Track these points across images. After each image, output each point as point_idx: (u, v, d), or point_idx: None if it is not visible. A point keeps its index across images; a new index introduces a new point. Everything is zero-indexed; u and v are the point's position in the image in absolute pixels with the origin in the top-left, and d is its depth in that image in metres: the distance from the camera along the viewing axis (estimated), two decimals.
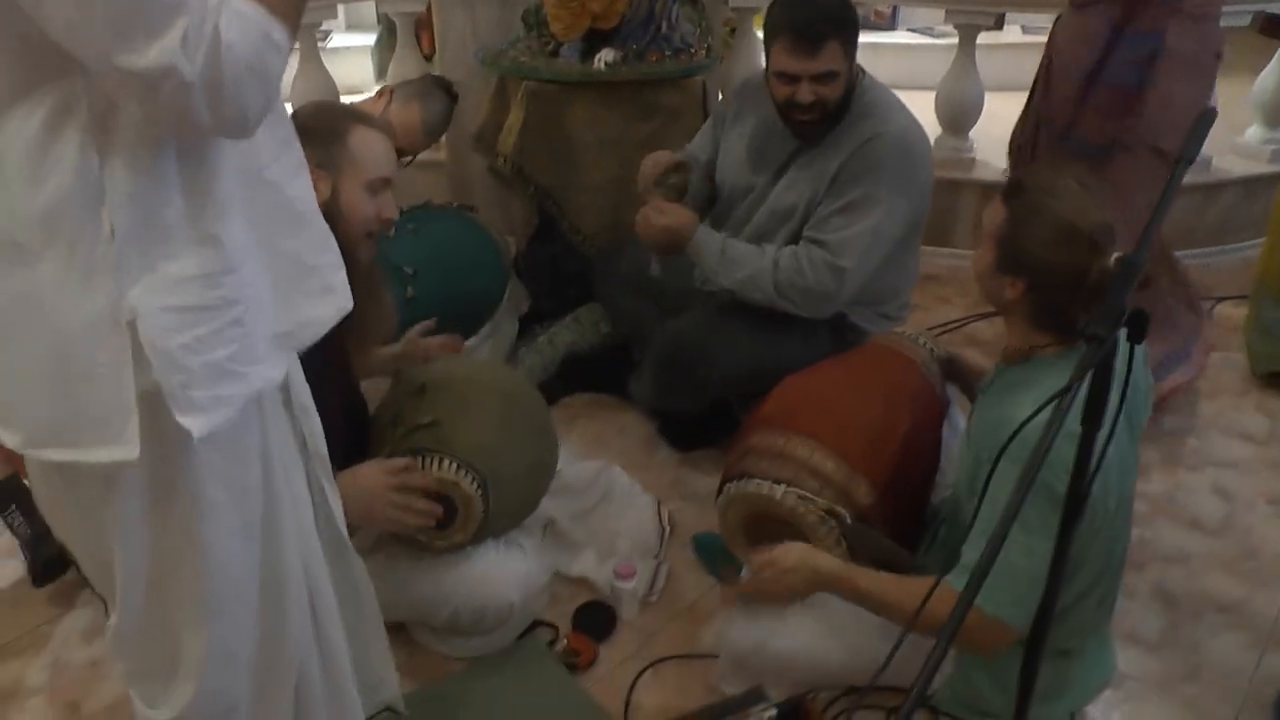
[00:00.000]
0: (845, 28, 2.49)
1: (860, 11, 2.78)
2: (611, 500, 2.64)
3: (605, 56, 3.26)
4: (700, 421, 2.92)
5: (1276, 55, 4.12)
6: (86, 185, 1.10)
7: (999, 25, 5.83)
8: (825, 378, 2.31)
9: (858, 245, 2.51)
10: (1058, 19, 2.90)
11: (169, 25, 1.00)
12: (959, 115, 4.15)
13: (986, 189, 4.08)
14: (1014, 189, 1.80)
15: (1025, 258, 1.75)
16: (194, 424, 1.20)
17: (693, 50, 3.36)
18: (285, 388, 1.44)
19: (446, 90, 3.27)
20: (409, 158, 3.15)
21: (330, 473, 1.57)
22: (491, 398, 2.14)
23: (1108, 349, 1.26)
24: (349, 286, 1.46)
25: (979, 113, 4.16)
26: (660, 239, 2.68)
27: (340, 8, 4.85)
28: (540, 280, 3.51)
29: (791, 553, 1.89)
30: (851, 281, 2.55)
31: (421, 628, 2.16)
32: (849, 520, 2.02)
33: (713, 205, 2.93)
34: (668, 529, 2.61)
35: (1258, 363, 3.32)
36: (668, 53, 3.32)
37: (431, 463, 1.98)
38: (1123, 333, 1.27)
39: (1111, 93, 2.66)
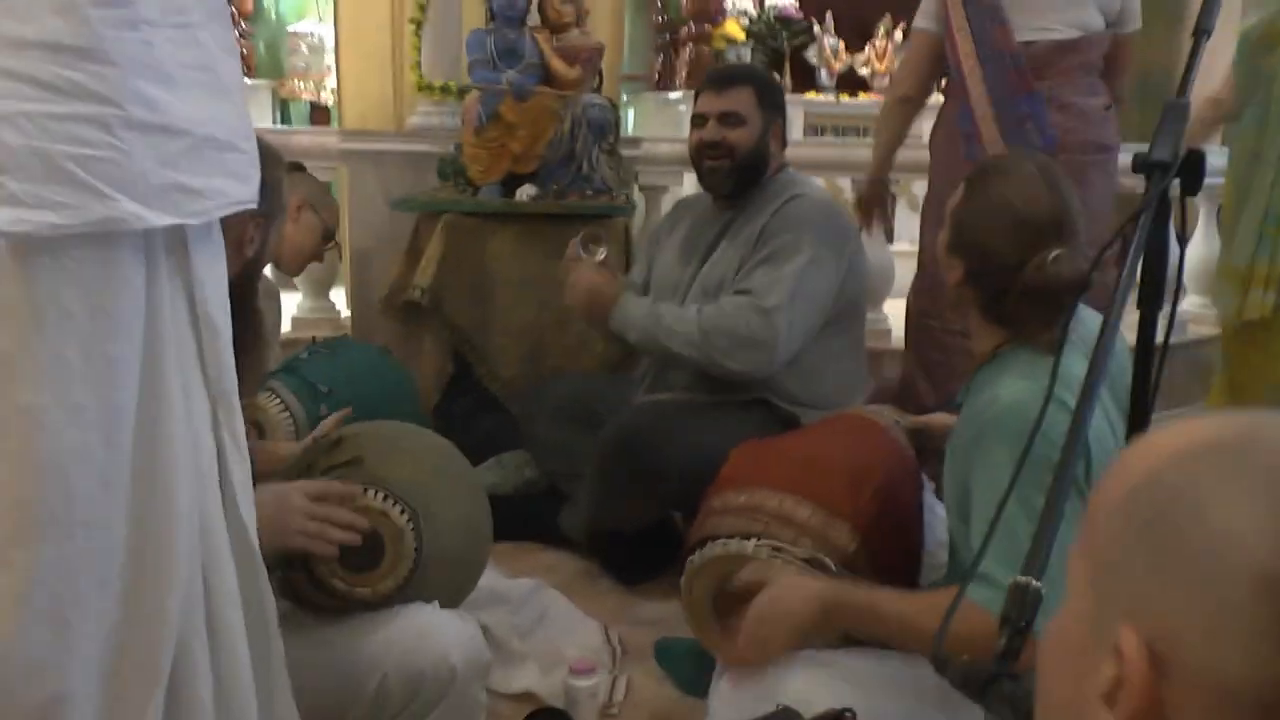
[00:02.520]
0: (757, 81, 2.66)
1: None
2: (548, 621, 2.31)
3: (526, 191, 3.19)
4: (644, 548, 2.64)
5: (1199, 226, 4.24)
6: None
7: None
8: (785, 440, 2.10)
9: (782, 288, 2.43)
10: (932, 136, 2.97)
11: None
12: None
13: None
14: (976, 170, 1.73)
15: (966, 239, 1.65)
16: (4, 215, 0.95)
17: (613, 193, 3.32)
18: (190, 293, 1.15)
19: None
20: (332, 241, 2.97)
21: (241, 431, 1.24)
22: (421, 444, 1.86)
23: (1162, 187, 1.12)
24: None
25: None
26: (585, 301, 2.61)
27: None
28: (455, 440, 3.25)
29: (780, 579, 1.63)
30: (783, 326, 2.42)
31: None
32: (834, 569, 1.75)
33: None
34: (618, 648, 2.27)
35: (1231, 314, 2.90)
36: (588, 192, 3.26)
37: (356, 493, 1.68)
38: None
39: None
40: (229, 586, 1.20)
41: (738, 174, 2.61)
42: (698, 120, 2.64)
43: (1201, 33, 1.30)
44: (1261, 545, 0.50)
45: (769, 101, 2.63)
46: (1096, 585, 0.57)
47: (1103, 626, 0.55)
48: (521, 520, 2.89)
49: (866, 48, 6.26)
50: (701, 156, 2.63)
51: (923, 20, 2.87)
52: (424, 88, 3.80)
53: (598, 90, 3.39)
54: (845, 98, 6.08)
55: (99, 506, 1.06)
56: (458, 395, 3.27)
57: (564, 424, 2.86)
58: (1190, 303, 4.32)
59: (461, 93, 3.62)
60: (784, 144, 2.67)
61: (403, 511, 1.68)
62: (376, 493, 1.68)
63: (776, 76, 2.74)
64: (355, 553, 1.65)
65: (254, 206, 1.22)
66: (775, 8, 6.09)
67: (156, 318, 1.10)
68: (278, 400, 2.40)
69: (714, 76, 2.68)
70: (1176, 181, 1.20)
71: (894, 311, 4.03)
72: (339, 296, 3.99)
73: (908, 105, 3.00)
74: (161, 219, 1.07)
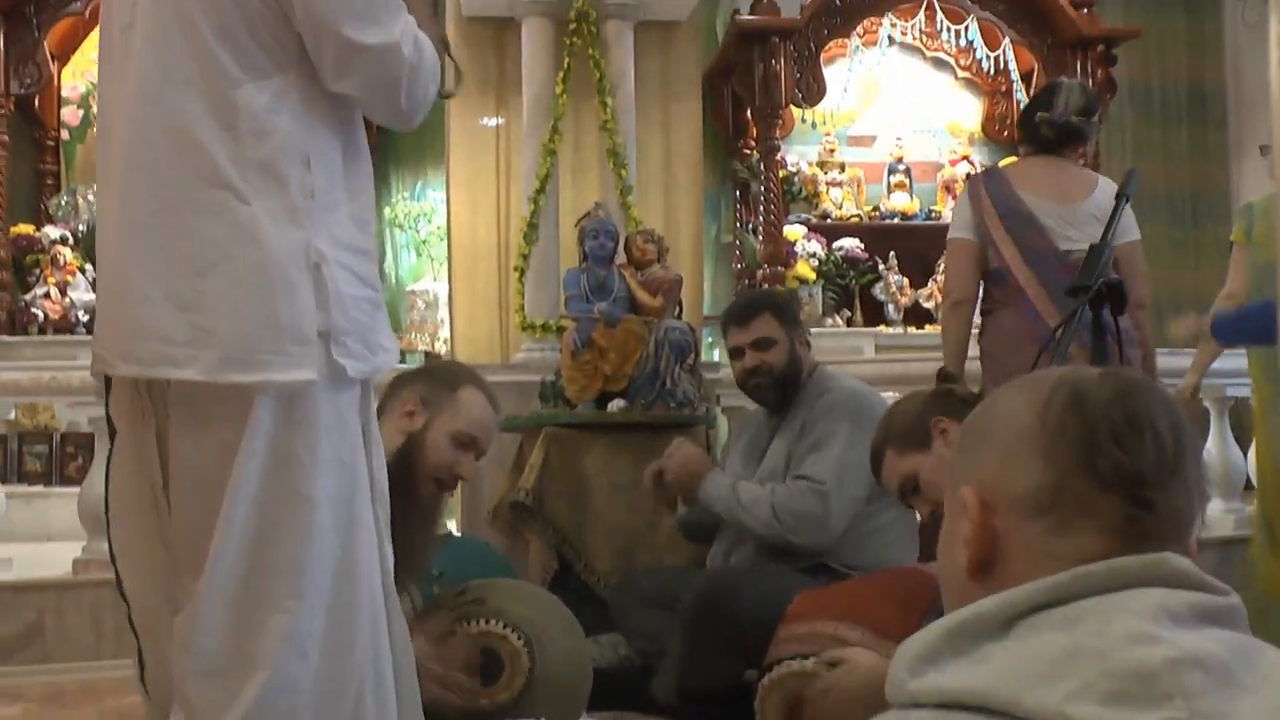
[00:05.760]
0: (774, 304, 3.07)
1: None
2: None
3: (617, 405, 3.63)
4: (729, 707, 2.88)
5: (1210, 429, 4.51)
6: (297, 149, 1.44)
7: None
8: (844, 582, 2.42)
9: (830, 470, 2.80)
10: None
11: (398, 16, 1.46)
12: None
13: None
14: None
15: None
16: (349, 365, 1.42)
17: (694, 404, 3.74)
18: (365, 424, 1.56)
19: None
20: None
21: (388, 523, 1.61)
22: (534, 592, 2.24)
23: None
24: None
25: None
26: (681, 469, 2.97)
27: None
28: None
29: (854, 654, 1.90)
30: (835, 504, 2.78)
31: None
32: None
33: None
34: None
35: None
36: (671, 405, 3.69)
37: (477, 622, 2.03)
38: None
39: None
40: (384, 645, 1.54)
41: (780, 387, 3.02)
42: (735, 353, 3.07)
43: (1122, 197, 1.70)
44: (1021, 416, 0.86)
45: (788, 318, 3.06)
46: (952, 486, 0.92)
47: (956, 504, 0.89)
48: (617, 692, 3.17)
49: (929, 283, 6.77)
50: (746, 381, 3.05)
51: (960, 231, 3.21)
52: (527, 327, 4.35)
53: (678, 316, 3.88)
54: (913, 329, 6.54)
55: (329, 572, 1.45)
56: (561, 589, 3.60)
57: (651, 609, 3.18)
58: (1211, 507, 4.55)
59: (559, 330, 4.14)
60: (808, 347, 3.09)
61: (519, 637, 2.03)
62: (498, 621, 2.04)
63: (792, 297, 3.16)
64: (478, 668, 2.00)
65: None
66: (842, 249, 6.67)
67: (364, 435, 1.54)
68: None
69: (733, 313, 3.11)
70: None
71: None
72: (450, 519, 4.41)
73: (962, 307, 3.36)
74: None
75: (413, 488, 2.05)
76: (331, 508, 1.45)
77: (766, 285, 5.86)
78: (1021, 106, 6.82)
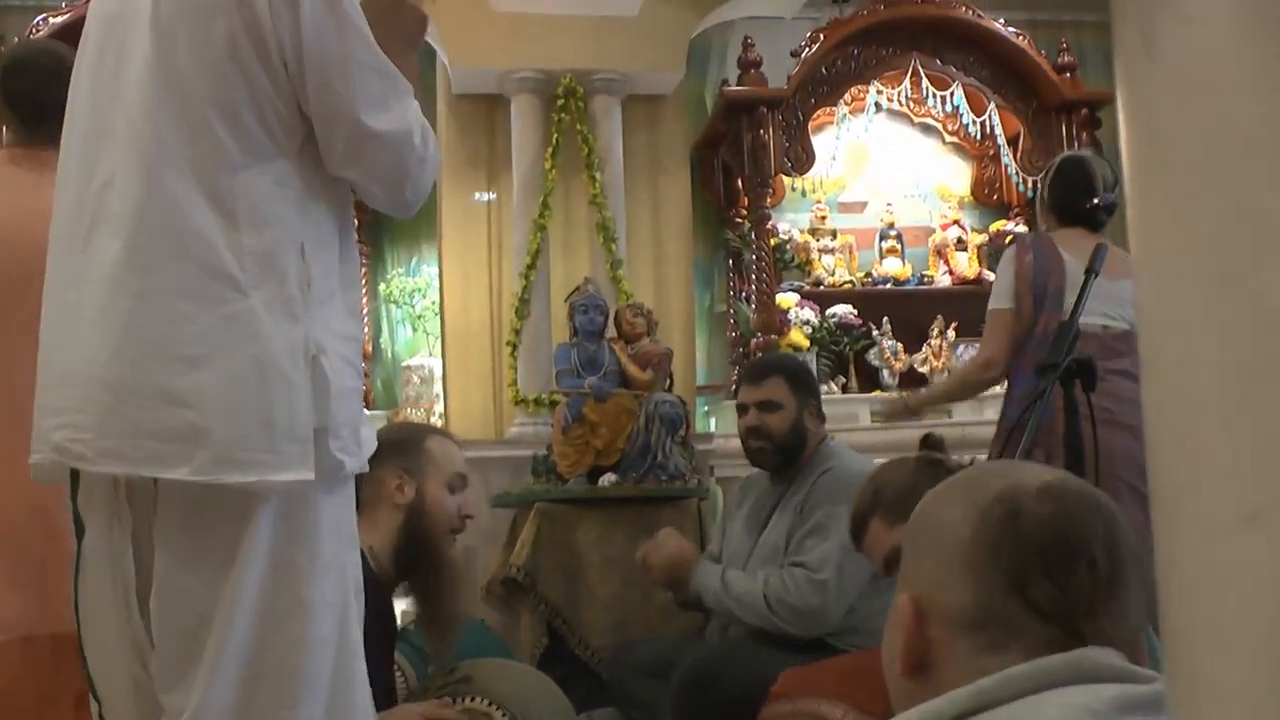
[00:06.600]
0: (789, 370, 3.02)
1: None
2: None
3: (609, 479, 3.62)
4: None
5: None
6: (295, 239, 1.39)
7: None
8: (831, 659, 2.40)
9: (832, 560, 2.72)
10: None
11: (406, 99, 1.43)
12: None
13: None
14: None
15: None
16: (347, 461, 1.38)
17: (685, 478, 3.73)
18: (349, 517, 1.53)
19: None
20: None
21: (362, 617, 1.59)
22: (521, 671, 2.22)
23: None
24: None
25: None
26: (667, 566, 2.94)
27: None
28: None
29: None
30: (834, 595, 2.71)
31: None
32: None
33: None
34: None
35: None
36: (663, 479, 3.68)
37: (463, 700, 2.02)
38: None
39: None
40: None
41: (780, 453, 2.96)
42: (741, 409, 3.03)
43: (1090, 272, 1.71)
44: (963, 527, 0.85)
45: (801, 386, 3.00)
46: (899, 586, 0.92)
47: (896, 608, 0.89)
48: None
49: (924, 347, 6.77)
50: (746, 440, 3.02)
51: (1000, 301, 3.11)
52: (519, 401, 4.36)
53: (669, 390, 3.89)
54: (908, 395, 6.53)
55: (327, 679, 1.39)
56: (554, 665, 3.57)
57: (646, 681, 3.14)
58: None
59: (552, 404, 4.15)
60: (822, 420, 3.06)
61: (505, 715, 2.02)
62: (484, 699, 2.03)
63: (809, 365, 3.09)
64: None
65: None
66: (835, 316, 6.68)
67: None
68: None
69: (749, 370, 3.12)
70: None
71: None
72: None
73: (990, 371, 3.25)
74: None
75: (437, 551, 2.06)
76: (329, 613, 1.39)
77: (760, 354, 5.87)
78: (1009, 171, 6.90)
